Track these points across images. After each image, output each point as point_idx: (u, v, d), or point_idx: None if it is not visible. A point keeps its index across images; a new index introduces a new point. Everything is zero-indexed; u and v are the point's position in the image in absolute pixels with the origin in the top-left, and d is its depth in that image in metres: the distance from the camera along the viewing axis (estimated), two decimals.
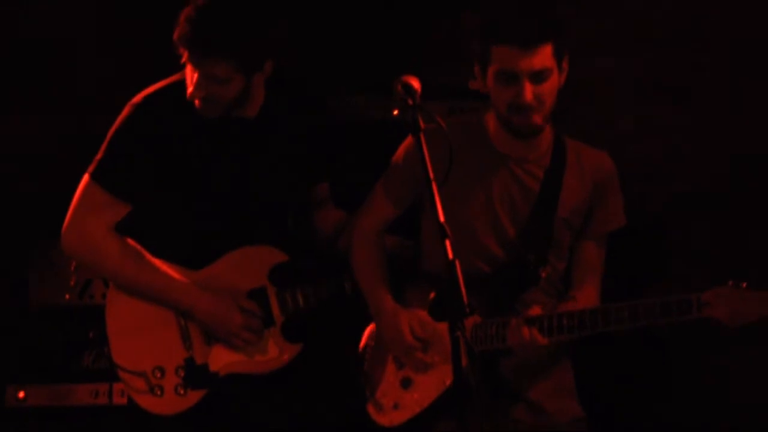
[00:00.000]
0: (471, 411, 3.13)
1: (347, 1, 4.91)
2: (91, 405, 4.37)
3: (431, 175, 3.04)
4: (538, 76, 3.45)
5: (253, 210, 3.68)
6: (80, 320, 4.33)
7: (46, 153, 4.77)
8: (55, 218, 3.63)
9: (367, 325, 3.79)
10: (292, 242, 3.75)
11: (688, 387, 4.66)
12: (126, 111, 3.60)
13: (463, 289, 2.92)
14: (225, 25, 3.42)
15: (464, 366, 2.96)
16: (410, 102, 3.16)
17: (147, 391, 3.62)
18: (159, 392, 3.62)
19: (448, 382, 3.54)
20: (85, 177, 3.60)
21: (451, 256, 2.94)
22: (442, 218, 2.98)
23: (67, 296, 4.38)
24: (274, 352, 3.72)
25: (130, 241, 3.63)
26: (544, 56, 3.44)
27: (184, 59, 3.49)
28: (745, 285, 3.31)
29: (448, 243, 2.95)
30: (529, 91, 3.45)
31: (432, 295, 3.67)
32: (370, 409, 3.70)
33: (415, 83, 3.19)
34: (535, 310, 3.50)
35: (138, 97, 3.61)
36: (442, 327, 3.46)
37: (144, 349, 3.63)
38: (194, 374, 3.64)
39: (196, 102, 3.52)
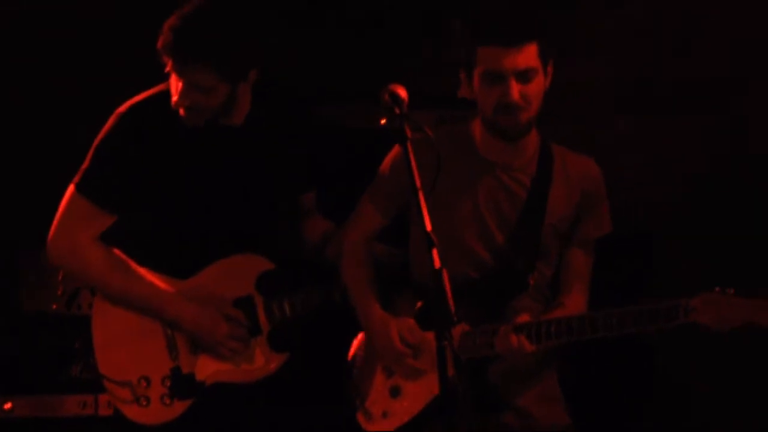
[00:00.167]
0: (458, 419, 3.15)
1: (335, 10, 4.91)
2: (79, 416, 4.35)
3: (418, 184, 3.04)
4: (524, 76, 3.47)
5: (239, 219, 3.67)
6: (68, 330, 4.32)
7: (33, 161, 4.76)
8: (43, 227, 3.62)
9: (355, 333, 3.79)
10: (279, 251, 3.74)
11: (675, 394, 4.67)
12: (111, 121, 3.59)
13: (451, 299, 2.91)
14: (208, 33, 3.41)
15: (451, 375, 2.95)
16: (397, 111, 3.16)
17: (133, 401, 3.61)
18: (145, 402, 3.61)
19: (437, 390, 3.52)
20: (71, 187, 3.59)
21: (438, 265, 2.94)
22: (429, 227, 2.98)
23: (55, 306, 4.37)
24: (261, 361, 3.71)
25: (116, 251, 3.62)
26: (529, 55, 3.46)
27: (168, 68, 3.48)
28: (732, 291, 3.33)
29: (435, 252, 2.95)
30: (515, 90, 3.46)
31: (419, 304, 3.67)
32: (360, 418, 3.69)
33: (402, 92, 3.19)
34: (523, 317, 3.51)
35: (123, 107, 3.60)
36: (430, 336, 3.50)
37: (130, 359, 3.62)
38: (180, 384, 3.63)
39: (181, 111, 3.51)
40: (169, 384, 3.62)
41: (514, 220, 3.62)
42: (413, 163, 3.07)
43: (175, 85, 3.49)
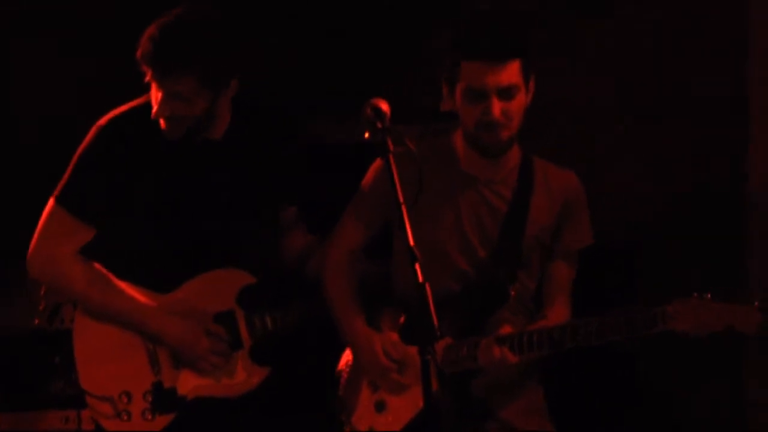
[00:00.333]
0: None
1: (317, 24, 4.91)
2: (61, 431, 4.33)
3: (401, 198, 3.04)
4: (506, 93, 3.47)
5: (220, 233, 3.66)
6: (50, 345, 4.29)
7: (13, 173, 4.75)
8: (24, 241, 3.61)
9: (338, 347, 3.79)
10: (261, 265, 3.73)
11: (658, 404, 4.69)
12: (91, 133, 3.58)
13: (434, 313, 2.92)
14: (187, 41, 3.41)
15: (435, 389, 2.96)
16: (379, 125, 3.16)
17: (114, 416, 3.59)
18: (126, 417, 3.59)
19: (421, 404, 3.53)
20: (51, 201, 3.58)
21: (420, 279, 2.94)
22: (411, 241, 2.98)
23: (37, 321, 4.35)
24: (242, 376, 3.70)
25: (97, 265, 3.61)
26: (511, 72, 3.47)
27: (147, 78, 3.47)
28: (709, 296, 3.37)
29: (417, 266, 2.95)
30: (497, 107, 3.47)
31: (402, 318, 3.67)
32: None
33: (384, 106, 3.19)
34: (506, 329, 3.52)
35: (103, 120, 3.59)
36: (413, 350, 3.45)
37: (111, 374, 3.60)
38: (162, 398, 3.61)
39: (162, 122, 3.50)
40: (150, 399, 3.60)
41: (496, 233, 3.64)
42: (396, 177, 3.07)
43: (155, 95, 3.48)
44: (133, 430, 3.59)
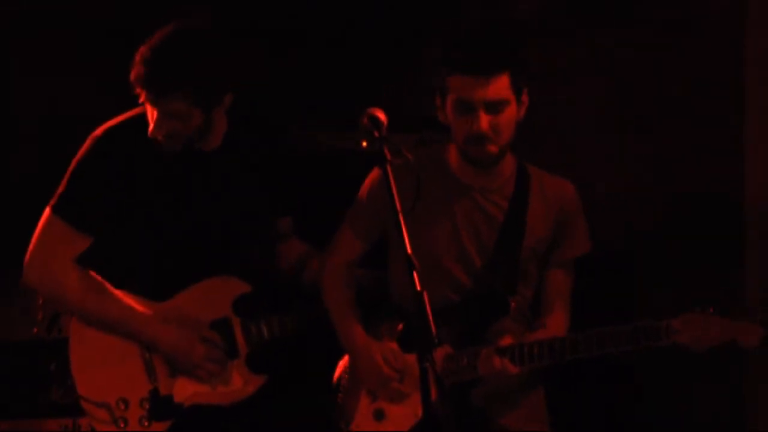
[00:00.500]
0: None
1: (316, 33, 4.92)
2: None
3: (399, 207, 3.05)
4: (494, 107, 3.48)
5: (216, 242, 3.68)
6: (48, 354, 4.28)
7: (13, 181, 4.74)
8: (23, 250, 3.62)
9: (339, 356, 3.80)
10: (257, 274, 3.74)
11: (659, 413, 4.70)
12: (87, 144, 3.60)
13: (432, 321, 2.92)
14: (179, 63, 3.43)
15: (434, 398, 2.96)
16: (377, 134, 3.16)
17: (110, 422, 3.61)
18: (123, 424, 3.61)
19: (420, 413, 3.53)
20: (47, 210, 3.59)
21: (418, 288, 2.94)
22: (409, 250, 2.99)
23: (35, 330, 4.34)
24: (239, 383, 3.71)
25: (93, 273, 3.62)
26: (500, 86, 3.48)
27: (142, 99, 3.49)
28: (711, 310, 3.39)
29: (415, 275, 2.95)
30: (484, 121, 3.48)
31: (400, 327, 3.68)
32: None
33: (382, 115, 3.19)
34: (506, 340, 3.54)
35: (99, 130, 3.61)
36: (412, 359, 3.49)
37: (108, 381, 3.61)
38: (158, 406, 3.63)
39: (158, 139, 3.52)
40: (147, 406, 3.62)
41: (493, 242, 3.65)
42: (393, 186, 3.08)
43: (151, 114, 3.50)
44: None
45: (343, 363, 3.80)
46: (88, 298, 3.60)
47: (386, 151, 3.15)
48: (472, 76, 3.47)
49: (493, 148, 3.53)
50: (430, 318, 2.93)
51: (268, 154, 3.72)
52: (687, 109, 4.75)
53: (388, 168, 3.12)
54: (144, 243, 3.64)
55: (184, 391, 3.66)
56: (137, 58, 3.45)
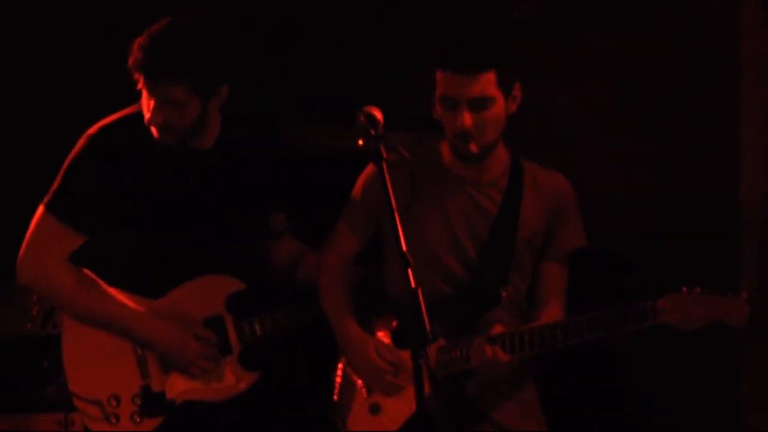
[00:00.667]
0: None
1: (314, 32, 4.91)
2: None
3: (394, 204, 3.05)
4: (478, 104, 3.50)
5: (209, 240, 3.68)
6: (42, 350, 4.28)
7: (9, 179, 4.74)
8: (17, 247, 3.62)
9: (333, 351, 3.80)
10: (250, 271, 3.75)
11: (654, 407, 4.69)
12: (81, 142, 3.61)
13: (426, 318, 2.93)
14: (178, 48, 3.44)
15: (427, 393, 2.97)
16: (372, 132, 3.17)
17: (102, 419, 3.62)
18: (114, 420, 3.62)
19: (415, 407, 3.54)
20: (40, 208, 3.60)
21: (413, 284, 2.95)
22: (404, 247, 2.99)
23: (30, 326, 4.34)
24: (231, 380, 3.72)
25: (86, 271, 3.62)
26: (484, 84, 3.49)
27: (139, 85, 3.49)
28: (698, 290, 3.42)
29: (410, 272, 2.96)
30: (468, 118, 3.50)
31: (394, 323, 3.69)
32: None
33: (378, 114, 3.20)
34: (497, 329, 3.55)
35: (93, 128, 3.62)
36: (406, 354, 3.54)
37: (100, 378, 3.62)
38: (150, 402, 3.64)
39: (154, 129, 3.52)
40: (139, 402, 3.63)
41: (486, 235, 3.66)
42: (388, 184, 3.07)
43: (147, 103, 3.51)
44: None
45: (342, 364, 3.80)
46: (81, 295, 3.60)
47: (382, 149, 3.15)
48: (457, 73, 3.49)
49: (474, 147, 3.54)
50: (425, 315, 2.93)
51: (260, 153, 3.73)
52: (686, 110, 4.74)
53: (384, 166, 3.12)
54: (137, 241, 3.65)
55: (177, 387, 3.66)
56: (135, 46, 3.46)
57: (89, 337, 3.63)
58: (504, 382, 3.69)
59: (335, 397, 3.75)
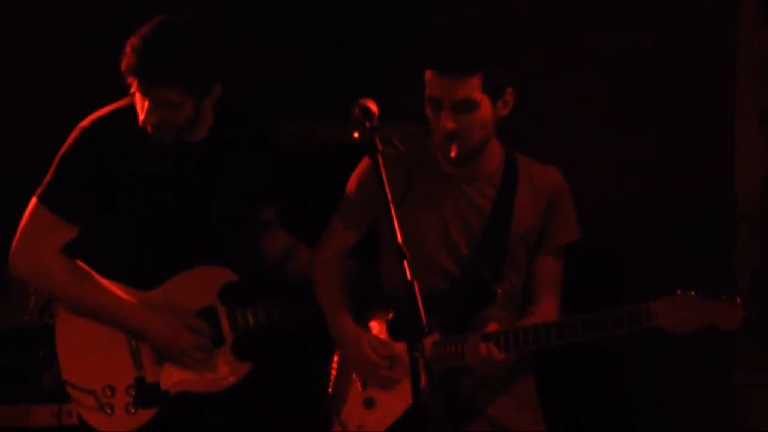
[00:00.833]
0: (432, 430, 3.19)
1: (302, 26, 4.92)
2: (52, 425, 4.32)
3: (389, 197, 3.05)
4: (461, 106, 3.48)
5: (202, 231, 3.69)
6: (40, 341, 4.28)
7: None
8: (11, 239, 3.63)
9: (327, 344, 3.81)
10: (242, 263, 3.76)
11: (651, 403, 4.70)
12: (74, 134, 3.62)
13: (422, 310, 2.94)
14: (170, 51, 3.45)
15: (424, 386, 2.98)
16: (368, 125, 3.18)
17: (97, 408, 3.62)
18: (109, 411, 3.62)
19: (410, 400, 3.52)
20: (33, 200, 3.61)
21: (409, 277, 2.97)
22: (399, 240, 3.00)
23: (27, 317, 4.34)
24: (224, 371, 3.73)
25: (79, 262, 3.63)
26: (469, 87, 3.47)
27: (133, 89, 3.51)
28: (693, 293, 3.41)
29: (406, 264, 2.97)
30: (451, 120, 3.49)
31: (390, 316, 3.70)
32: (336, 430, 3.72)
33: (373, 106, 3.21)
34: (492, 326, 3.54)
35: (86, 121, 3.63)
36: (401, 347, 3.53)
37: (94, 368, 3.63)
38: (145, 393, 3.64)
39: (149, 128, 3.53)
40: (133, 393, 3.63)
41: (480, 231, 3.65)
42: (384, 176, 3.08)
43: (141, 104, 3.52)
44: (116, 425, 3.62)
45: (338, 357, 3.81)
46: (75, 286, 3.61)
47: (377, 141, 3.15)
48: (441, 75, 3.48)
49: (453, 152, 3.53)
50: (421, 307, 2.94)
51: (252, 145, 3.73)
52: (686, 109, 4.75)
53: (379, 158, 3.12)
54: (130, 233, 3.65)
55: (171, 378, 3.67)
56: (127, 48, 3.47)
57: (83, 328, 3.63)
58: (500, 378, 3.68)
59: (330, 390, 3.76)
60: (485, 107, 3.50)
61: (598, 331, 3.44)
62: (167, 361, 3.67)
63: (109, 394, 3.61)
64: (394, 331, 3.67)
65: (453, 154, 3.54)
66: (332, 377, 3.76)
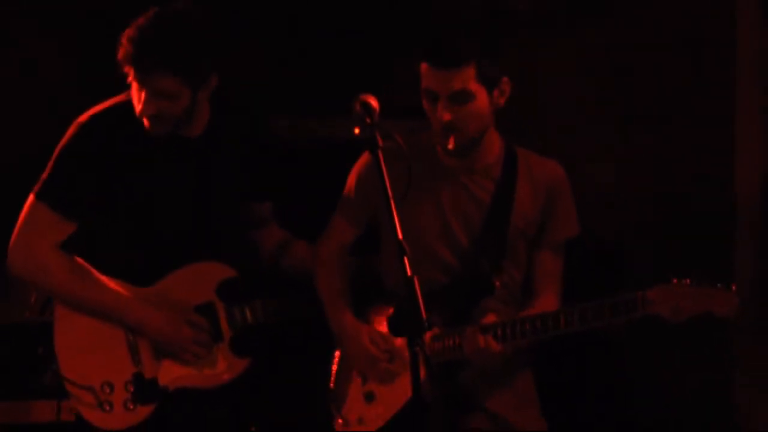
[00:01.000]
0: (431, 424, 3.20)
1: (302, 22, 4.92)
2: (53, 422, 4.31)
3: (389, 192, 3.05)
4: (457, 98, 3.49)
5: (199, 227, 3.70)
6: (40, 337, 4.27)
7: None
8: (10, 236, 3.63)
9: (327, 340, 3.81)
10: (240, 259, 3.76)
11: (651, 402, 4.70)
12: (71, 130, 3.62)
13: (422, 305, 2.94)
14: (167, 39, 3.45)
15: (424, 380, 2.98)
16: (368, 120, 3.17)
17: (96, 405, 3.62)
18: (108, 407, 3.62)
19: (410, 395, 3.53)
20: (31, 196, 3.61)
21: (409, 273, 2.97)
22: (400, 235, 3.01)
23: (27, 313, 4.34)
24: (223, 367, 3.73)
25: (78, 258, 3.63)
26: (463, 78, 3.48)
27: (130, 78, 3.51)
28: (687, 281, 3.42)
29: (406, 260, 2.98)
30: (446, 111, 3.49)
31: (390, 311, 3.70)
32: (337, 424, 3.72)
33: (374, 102, 3.21)
34: (489, 318, 3.54)
35: (84, 116, 3.63)
36: (400, 341, 3.57)
37: (93, 365, 3.63)
38: (143, 389, 3.64)
39: (145, 120, 3.53)
40: (132, 389, 3.63)
41: (480, 224, 3.65)
42: (384, 172, 3.07)
43: (138, 95, 3.52)
44: (115, 422, 3.62)
45: (339, 351, 3.81)
46: (73, 283, 3.61)
47: (378, 136, 3.15)
48: (436, 67, 3.49)
49: (451, 144, 3.54)
50: (421, 303, 2.95)
51: (248, 141, 3.74)
52: (686, 109, 4.75)
53: (380, 154, 3.12)
54: (128, 228, 3.66)
55: (169, 374, 3.67)
56: (123, 38, 3.47)
57: (81, 324, 3.63)
58: (499, 372, 3.68)
59: (331, 385, 3.76)
60: (481, 98, 3.51)
61: (594, 320, 3.44)
62: (166, 357, 3.67)
63: (108, 390, 3.61)
64: (394, 327, 3.67)
65: (451, 146, 3.54)
66: (333, 372, 3.77)
